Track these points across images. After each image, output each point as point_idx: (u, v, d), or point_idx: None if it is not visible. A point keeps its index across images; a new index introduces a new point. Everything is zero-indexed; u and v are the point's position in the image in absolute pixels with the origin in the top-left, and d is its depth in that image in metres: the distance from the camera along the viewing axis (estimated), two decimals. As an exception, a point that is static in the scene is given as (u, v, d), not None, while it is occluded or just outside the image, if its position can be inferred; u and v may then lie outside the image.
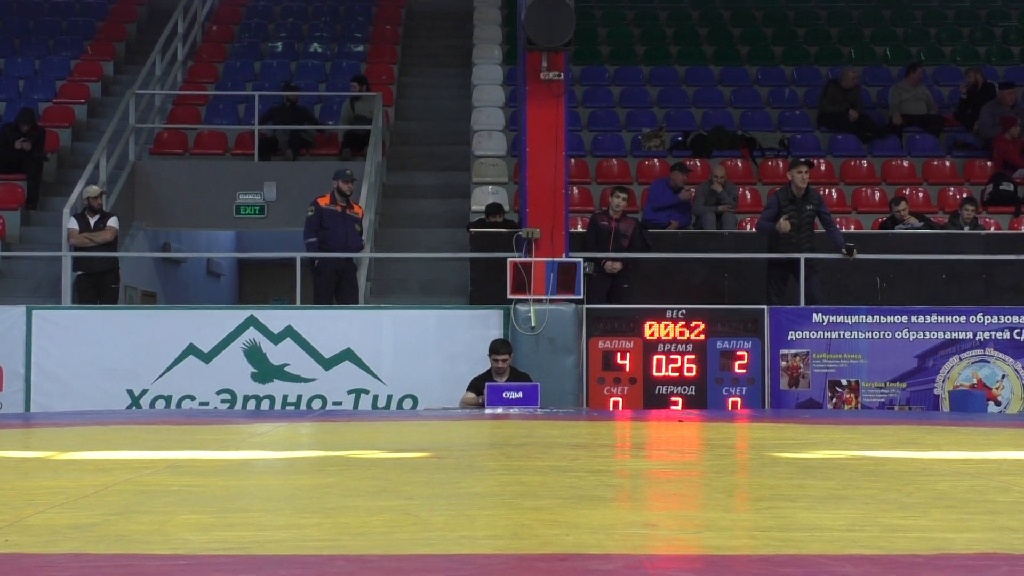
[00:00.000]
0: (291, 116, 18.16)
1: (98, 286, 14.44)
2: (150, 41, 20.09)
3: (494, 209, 15.72)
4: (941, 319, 13.23)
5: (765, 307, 13.24)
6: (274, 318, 13.32)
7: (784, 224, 13.65)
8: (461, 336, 13.23)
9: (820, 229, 13.96)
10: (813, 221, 13.83)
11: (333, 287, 14.14)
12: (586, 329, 13.02)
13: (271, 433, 8.32)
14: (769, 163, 18.01)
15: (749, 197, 17.09)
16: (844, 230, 16.10)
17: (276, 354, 13.18)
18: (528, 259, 13.00)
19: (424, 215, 17.62)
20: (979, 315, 13.22)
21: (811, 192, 13.99)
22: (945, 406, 12.95)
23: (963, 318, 13.20)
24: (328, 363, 13.19)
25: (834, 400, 13.06)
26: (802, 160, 14.46)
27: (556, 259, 12.98)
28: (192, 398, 13.13)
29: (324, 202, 14.24)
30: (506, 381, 12.41)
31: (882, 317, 13.20)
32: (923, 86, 18.99)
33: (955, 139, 18.51)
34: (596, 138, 18.70)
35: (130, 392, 13.11)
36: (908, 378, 13.05)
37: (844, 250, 13.69)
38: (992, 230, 16.10)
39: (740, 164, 17.92)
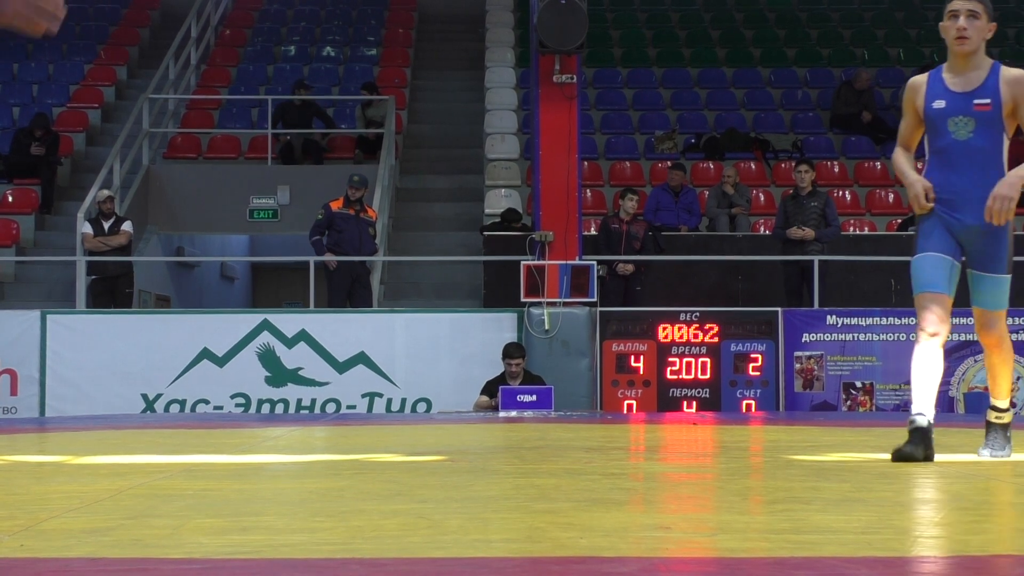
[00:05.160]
0: (301, 115, 18.14)
1: (112, 290, 14.46)
2: (163, 46, 20.15)
3: (511, 216, 15.70)
4: (956, 321, 13.13)
5: (779, 309, 13.23)
6: (288, 322, 13.33)
7: (793, 231, 13.75)
8: (474, 339, 13.24)
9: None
10: (818, 220, 13.88)
11: (347, 290, 14.16)
12: (600, 332, 13.02)
13: (285, 437, 8.33)
14: (782, 165, 17.99)
15: (763, 199, 17.08)
16: (857, 232, 16.09)
17: (290, 358, 13.19)
18: (541, 262, 13.00)
19: (437, 218, 17.63)
20: (993, 316, 13.15)
21: (818, 191, 14.15)
22: (960, 408, 12.92)
23: (977, 319, 13.14)
24: (342, 367, 13.20)
25: (848, 402, 13.03)
26: (803, 160, 14.75)
27: (569, 262, 12.98)
28: (206, 402, 13.16)
29: (336, 206, 14.27)
30: (520, 384, 12.41)
31: (896, 319, 13.17)
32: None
33: (969, 140, 18.46)
34: (609, 140, 18.70)
35: (144, 396, 13.14)
36: (921, 380, 12.99)
37: (802, 229, 13.74)
38: (1006, 231, 16.04)
39: (753, 166, 17.91)
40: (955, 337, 13.16)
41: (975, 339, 13.19)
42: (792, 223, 13.86)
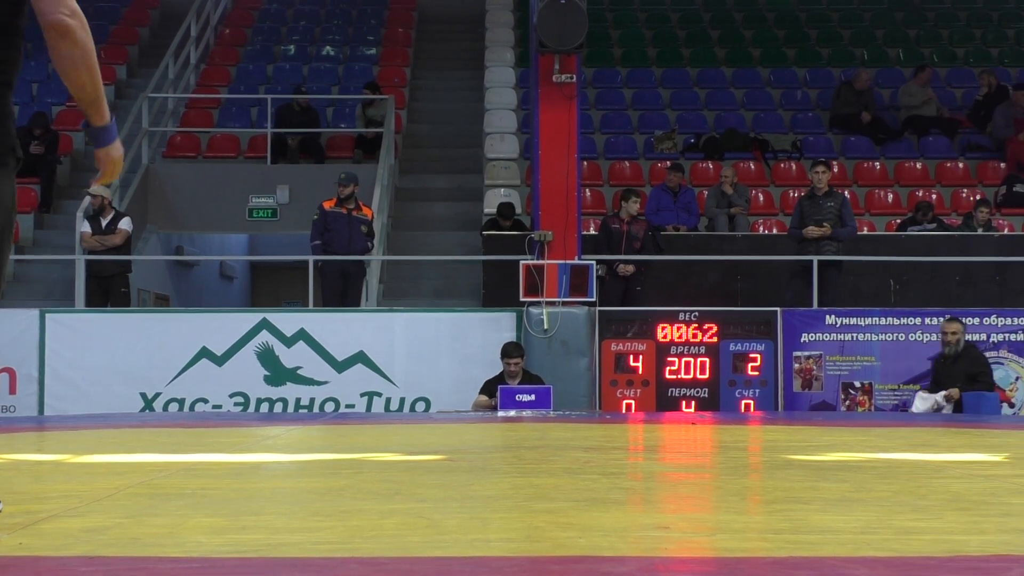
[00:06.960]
0: (300, 120, 18.17)
1: (106, 290, 14.41)
2: (163, 45, 20.14)
3: (506, 210, 15.68)
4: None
5: (778, 309, 13.23)
6: (286, 321, 13.33)
7: (810, 230, 13.73)
8: (474, 339, 13.24)
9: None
10: (835, 220, 13.86)
11: (341, 290, 14.17)
12: (599, 331, 13.01)
13: (284, 436, 8.33)
14: (782, 165, 18.00)
15: (762, 199, 17.07)
16: (856, 232, 16.09)
17: (289, 357, 13.19)
18: (540, 262, 12.99)
19: (436, 218, 17.63)
20: (993, 317, 13.19)
21: (834, 192, 14.15)
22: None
23: (977, 320, 13.17)
24: (340, 366, 13.20)
25: (847, 402, 13.03)
26: (820, 160, 14.70)
27: (568, 261, 12.97)
28: (205, 401, 13.15)
29: (328, 205, 14.30)
30: (519, 384, 12.40)
31: (895, 319, 13.18)
32: (930, 87, 18.94)
33: (968, 141, 18.47)
34: (608, 140, 18.69)
35: (143, 395, 13.13)
36: (921, 380, 13.02)
37: (820, 227, 13.75)
38: (1006, 232, 16.06)
39: (752, 166, 17.90)
40: (954, 337, 13.13)
41: (974, 339, 13.22)
42: (808, 223, 13.81)
